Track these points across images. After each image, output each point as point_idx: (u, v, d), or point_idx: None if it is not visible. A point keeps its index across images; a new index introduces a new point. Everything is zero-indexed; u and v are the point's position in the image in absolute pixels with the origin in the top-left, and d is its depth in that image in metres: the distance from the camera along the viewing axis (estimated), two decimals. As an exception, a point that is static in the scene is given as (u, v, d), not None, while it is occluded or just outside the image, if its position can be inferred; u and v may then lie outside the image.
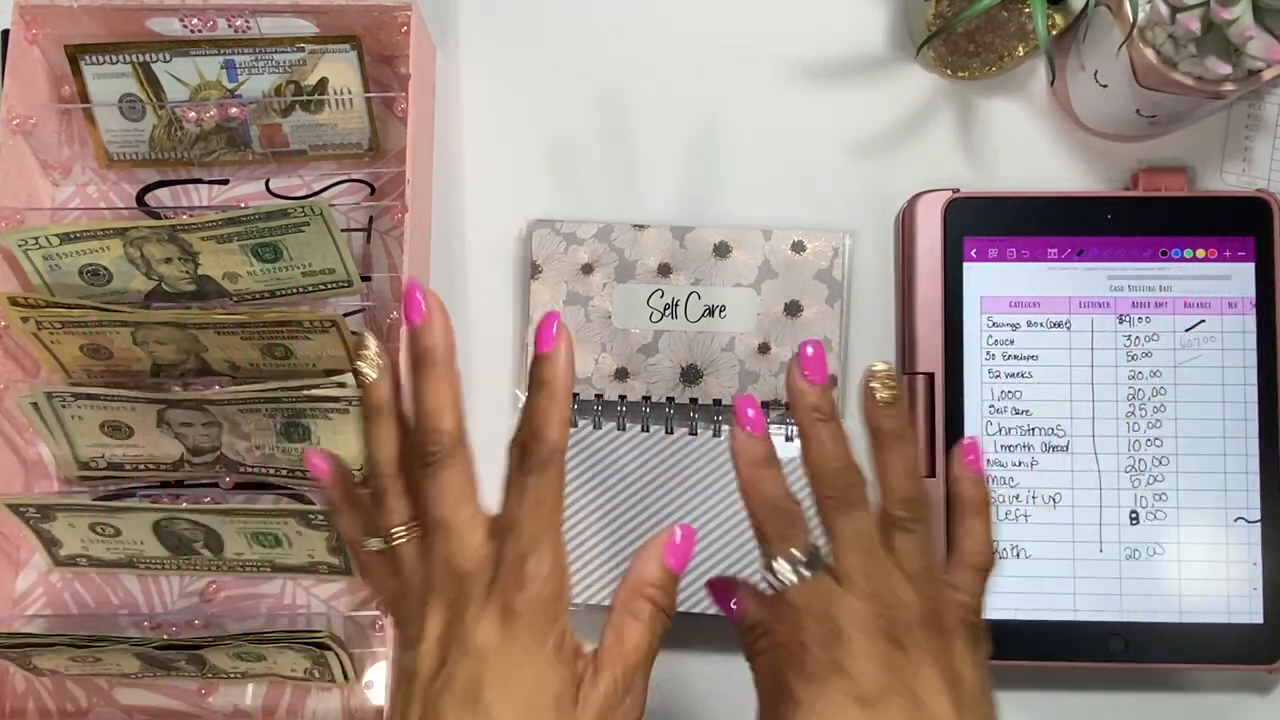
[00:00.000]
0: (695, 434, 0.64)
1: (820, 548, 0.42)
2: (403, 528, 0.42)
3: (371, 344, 0.43)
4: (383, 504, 0.42)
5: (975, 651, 0.43)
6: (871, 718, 0.39)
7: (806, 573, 0.41)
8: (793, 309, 0.64)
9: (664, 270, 0.65)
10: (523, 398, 0.64)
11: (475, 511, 0.42)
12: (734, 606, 0.46)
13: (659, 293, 0.65)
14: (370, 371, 0.43)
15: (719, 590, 0.47)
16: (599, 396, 0.64)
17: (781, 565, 0.42)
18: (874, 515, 0.42)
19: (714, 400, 0.64)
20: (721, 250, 0.65)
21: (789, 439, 0.63)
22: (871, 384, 0.42)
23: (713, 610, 0.62)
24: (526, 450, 0.41)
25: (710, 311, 0.64)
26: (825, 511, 0.42)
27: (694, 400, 0.64)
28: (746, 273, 0.64)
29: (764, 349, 0.64)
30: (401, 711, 0.40)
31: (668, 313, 0.65)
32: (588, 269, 0.65)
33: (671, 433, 0.64)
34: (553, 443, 0.41)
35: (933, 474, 0.62)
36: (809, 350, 0.42)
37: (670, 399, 0.64)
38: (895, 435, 0.42)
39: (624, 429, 0.64)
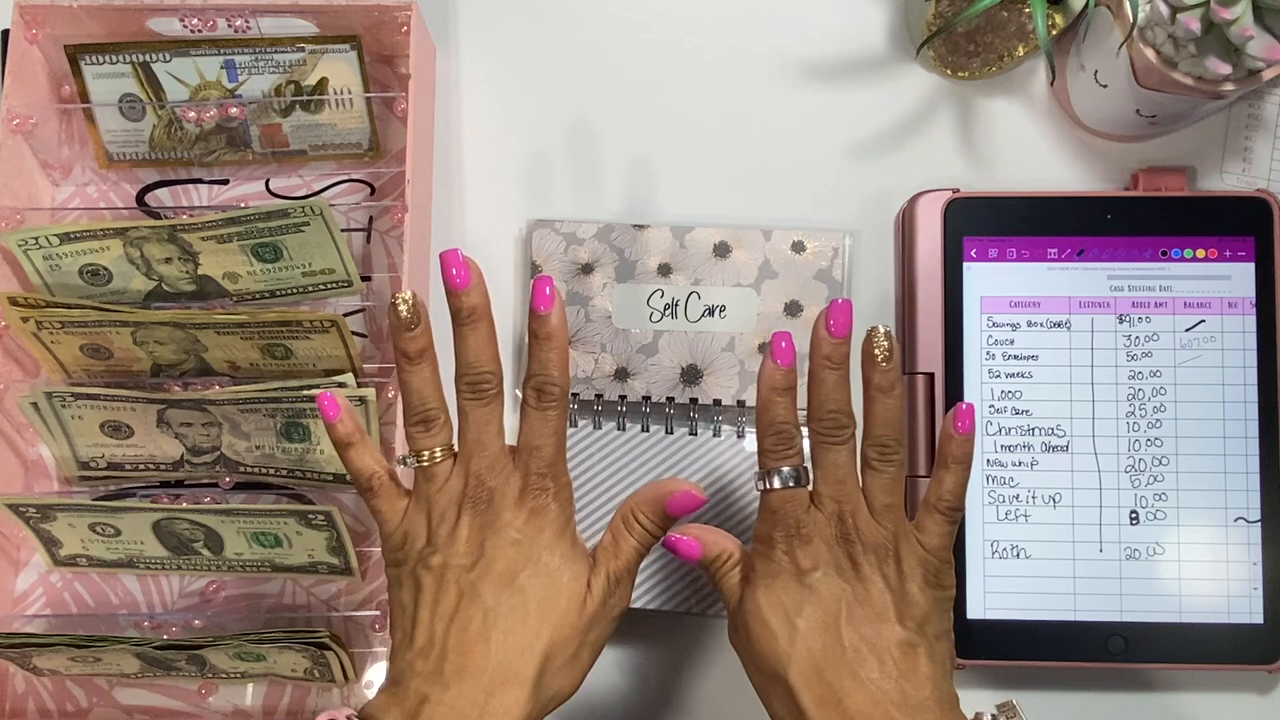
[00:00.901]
0: (695, 434, 0.64)
1: (807, 469, 0.50)
2: (442, 449, 0.50)
3: (408, 294, 0.49)
4: (429, 430, 0.49)
5: (932, 588, 0.49)
6: (806, 588, 0.48)
7: (790, 484, 0.49)
8: (793, 309, 0.64)
9: (664, 270, 0.65)
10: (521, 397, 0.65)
11: (504, 440, 0.50)
12: (691, 546, 0.52)
13: (659, 293, 0.65)
14: (410, 317, 0.49)
15: (676, 542, 0.53)
16: (599, 396, 0.64)
17: (770, 474, 0.50)
18: (855, 451, 0.49)
19: (714, 400, 0.64)
20: (721, 250, 0.65)
21: (740, 435, 0.64)
22: (871, 341, 0.49)
23: (699, 610, 0.62)
24: (542, 392, 0.49)
25: (710, 311, 0.64)
26: (814, 444, 0.50)
27: (694, 400, 0.64)
28: (746, 273, 0.64)
29: (764, 349, 0.64)
30: (435, 597, 0.48)
31: (668, 313, 0.65)
32: (588, 269, 0.65)
33: (671, 432, 0.64)
34: (563, 384, 0.49)
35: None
36: (839, 306, 0.49)
37: (670, 399, 0.64)
38: (882, 389, 0.49)
39: (624, 429, 0.64)
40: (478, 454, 0.49)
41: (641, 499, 0.51)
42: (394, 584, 0.50)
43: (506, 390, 0.66)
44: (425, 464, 0.49)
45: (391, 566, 0.50)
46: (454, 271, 0.48)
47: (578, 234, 0.65)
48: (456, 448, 0.50)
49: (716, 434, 0.64)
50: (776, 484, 0.49)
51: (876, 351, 0.49)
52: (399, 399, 0.60)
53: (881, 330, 0.49)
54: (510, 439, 0.50)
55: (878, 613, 0.48)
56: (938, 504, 0.50)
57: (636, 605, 0.62)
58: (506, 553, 0.48)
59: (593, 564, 0.50)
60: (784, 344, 0.49)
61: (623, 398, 0.64)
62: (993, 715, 0.49)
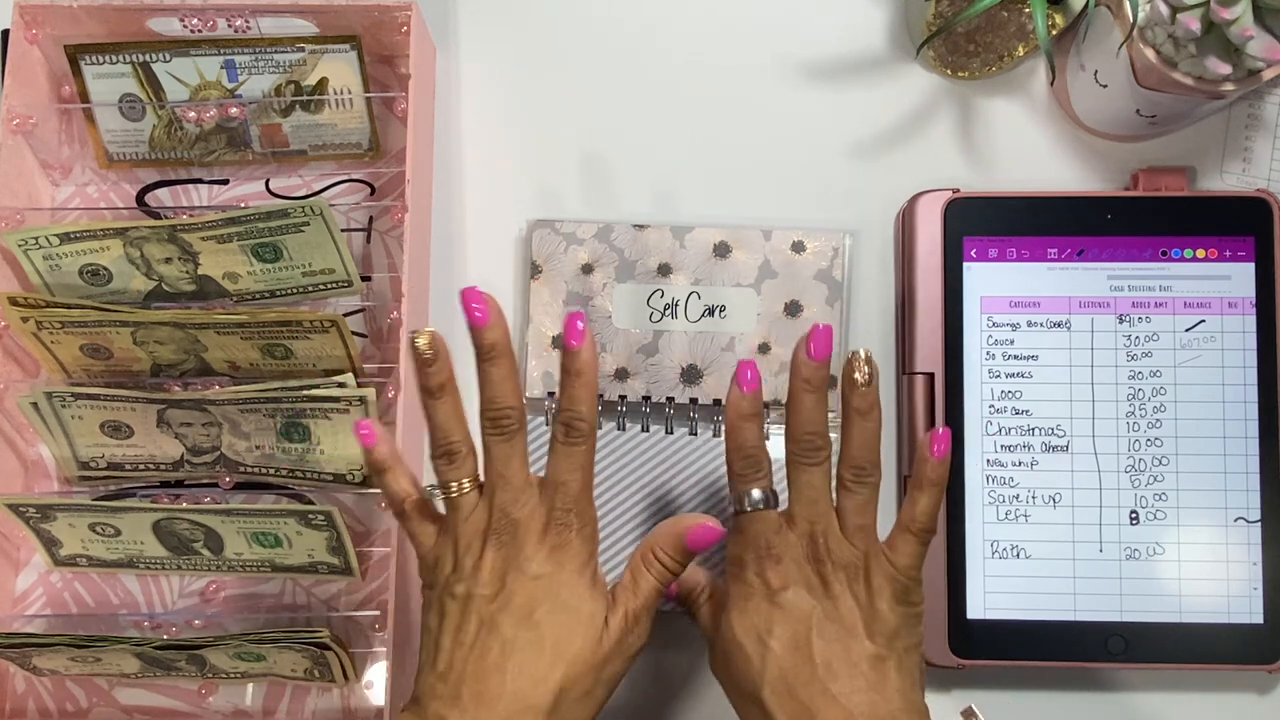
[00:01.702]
0: (695, 434, 0.64)
1: (776, 492, 0.51)
2: (469, 480, 0.50)
3: (426, 332, 0.50)
4: (452, 462, 0.50)
5: (901, 604, 0.50)
6: (777, 608, 0.50)
7: (760, 506, 0.51)
8: (793, 309, 0.64)
9: (664, 270, 0.65)
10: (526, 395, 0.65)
11: (529, 473, 0.51)
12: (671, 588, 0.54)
13: (659, 293, 0.65)
14: (430, 354, 0.50)
15: None
16: (599, 396, 0.64)
17: (742, 497, 0.51)
18: (829, 472, 0.51)
19: (714, 400, 0.64)
20: (721, 250, 0.65)
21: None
22: (852, 364, 0.50)
23: (666, 608, 0.62)
24: (570, 427, 0.50)
25: (710, 311, 0.64)
26: (790, 464, 0.51)
27: (694, 400, 0.64)
28: (746, 273, 0.64)
29: (764, 349, 0.64)
30: (458, 625, 0.49)
31: (668, 313, 0.65)
32: (588, 269, 0.65)
33: (671, 433, 0.64)
34: (590, 420, 0.50)
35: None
36: (819, 330, 0.51)
37: (670, 399, 0.64)
38: (861, 412, 0.51)
39: (624, 429, 0.64)
40: (501, 487, 0.50)
41: (660, 537, 0.52)
42: (425, 606, 0.52)
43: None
44: (452, 495, 0.50)
45: (425, 588, 0.52)
46: (475, 308, 0.49)
47: (578, 234, 0.65)
48: (483, 479, 0.51)
49: (716, 434, 0.64)
50: (748, 506, 0.51)
51: (857, 375, 0.50)
52: (399, 398, 0.60)
53: (863, 354, 0.50)
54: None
55: (847, 628, 0.49)
56: (910, 524, 0.51)
57: None
58: (526, 587, 0.49)
59: (611, 602, 0.51)
60: (749, 373, 0.51)
61: (623, 398, 0.64)
62: None
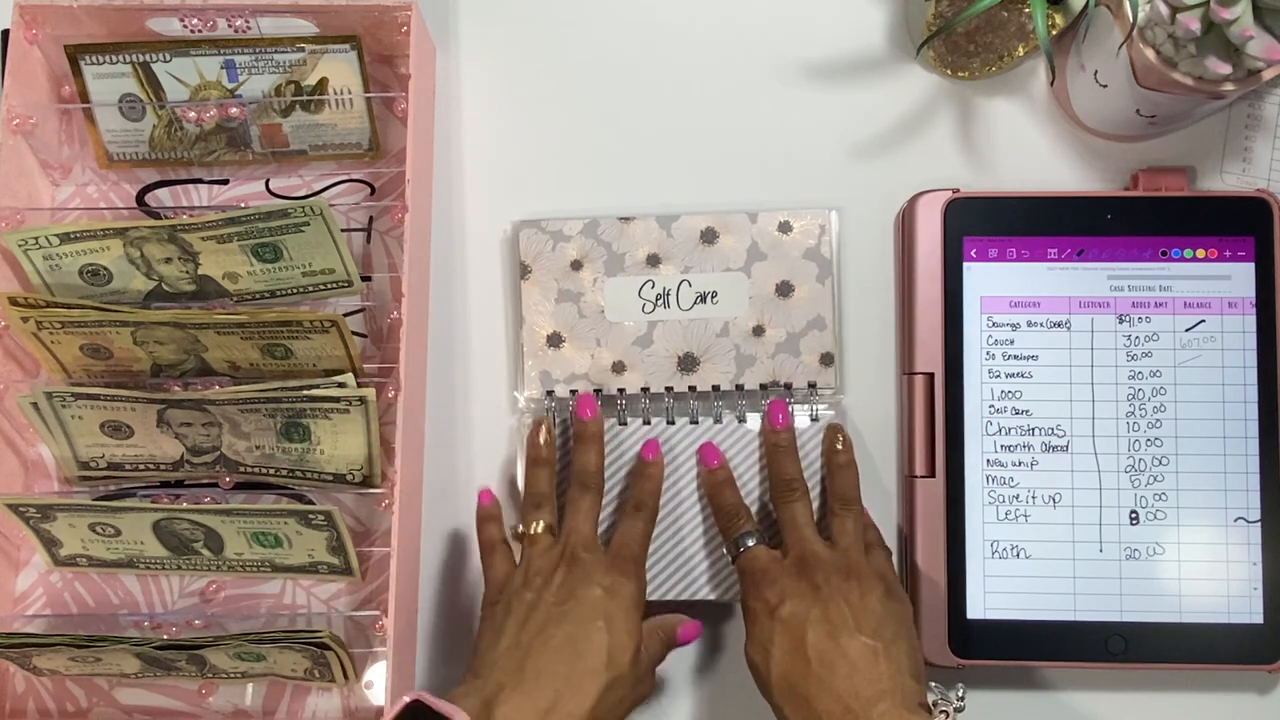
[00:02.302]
0: (696, 422, 0.64)
1: (755, 532, 0.60)
2: (545, 525, 0.61)
3: (548, 428, 0.63)
4: (538, 510, 0.61)
5: (892, 601, 0.57)
6: (777, 621, 0.56)
7: (750, 544, 0.60)
8: (784, 289, 0.64)
9: (653, 260, 0.65)
10: (520, 399, 0.65)
11: (596, 528, 0.61)
12: None
13: (650, 283, 0.65)
14: (546, 440, 0.63)
15: None
16: (598, 391, 0.64)
17: (729, 545, 0.61)
18: (809, 505, 0.61)
19: (712, 386, 0.64)
20: (709, 236, 0.65)
21: (741, 419, 0.63)
22: (834, 437, 0.63)
23: (712, 596, 0.63)
24: (640, 506, 0.62)
25: (702, 298, 0.64)
26: (776, 505, 0.62)
27: (693, 388, 0.64)
28: (735, 257, 0.64)
29: (758, 331, 0.64)
30: (524, 618, 0.57)
31: (660, 303, 0.65)
32: (577, 265, 0.65)
33: (673, 423, 0.64)
34: (654, 506, 0.62)
35: (932, 474, 0.62)
36: (776, 403, 0.63)
37: (669, 389, 0.64)
38: (842, 465, 0.62)
39: (625, 424, 0.64)
40: (576, 533, 0.60)
41: (662, 623, 0.61)
42: (487, 615, 0.59)
43: (503, 391, 0.66)
44: (532, 531, 0.60)
45: (487, 606, 0.59)
46: (588, 410, 0.63)
47: (564, 231, 0.65)
48: (557, 530, 0.61)
49: (718, 420, 0.64)
50: (740, 549, 0.60)
51: (838, 445, 0.62)
52: (399, 398, 0.60)
53: (840, 433, 0.62)
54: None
55: (839, 626, 0.56)
56: (876, 541, 0.61)
57: (668, 597, 0.63)
58: (594, 596, 0.57)
59: (641, 643, 0.58)
60: (709, 452, 0.63)
61: (621, 391, 0.64)
62: (939, 705, 0.55)
